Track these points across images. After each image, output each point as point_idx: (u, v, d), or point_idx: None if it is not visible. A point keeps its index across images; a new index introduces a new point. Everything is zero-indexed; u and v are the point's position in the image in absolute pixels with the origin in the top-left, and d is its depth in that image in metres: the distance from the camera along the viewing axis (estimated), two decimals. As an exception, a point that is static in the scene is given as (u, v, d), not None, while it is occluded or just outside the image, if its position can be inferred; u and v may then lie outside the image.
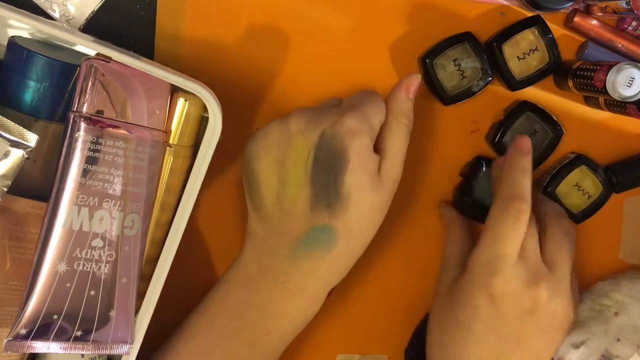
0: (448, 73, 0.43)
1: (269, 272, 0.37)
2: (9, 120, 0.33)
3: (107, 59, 0.34)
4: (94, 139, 0.34)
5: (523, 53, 0.43)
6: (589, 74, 0.40)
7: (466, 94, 0.43)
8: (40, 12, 0.40)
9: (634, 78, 0.38)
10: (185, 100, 0.37)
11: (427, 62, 0.43)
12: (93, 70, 0.34)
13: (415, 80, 0.39)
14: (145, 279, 0.37)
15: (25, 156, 0.34)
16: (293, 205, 0.36)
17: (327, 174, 0.35)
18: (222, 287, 0.40)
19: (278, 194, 0.36)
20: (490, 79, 0.43)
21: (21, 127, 0.33)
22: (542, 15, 0.43)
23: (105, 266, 0.35)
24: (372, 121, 0.36)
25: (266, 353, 0.39)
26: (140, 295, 0.37)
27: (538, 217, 0.40)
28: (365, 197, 0.35)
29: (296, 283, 0.37)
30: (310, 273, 0.36)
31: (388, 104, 0.38)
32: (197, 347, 0.39)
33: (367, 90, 0.40)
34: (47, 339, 0.34)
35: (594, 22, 0.44)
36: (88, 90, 0.34)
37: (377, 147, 0.37)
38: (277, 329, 0.38)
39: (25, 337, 0.34)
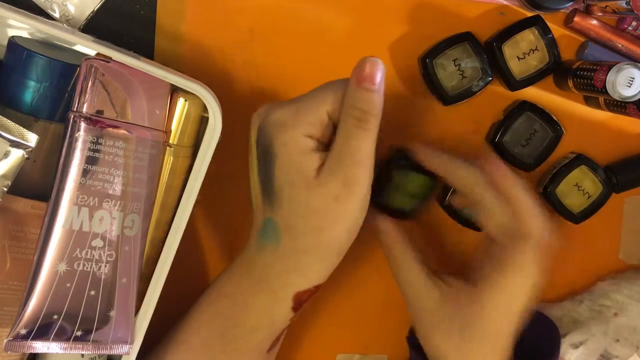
0: (448, 73, 0.43)
1: (243, 261, 0.38)
2: (9, 120, 0.33)
3: (107, 59, 0.34)
4: (94, 139, 0.34)
5: (523, 53, 0.43)
6: (589, 74, 0.40)
7: (466, 94, 0.43)
8: (40, 12, 0.40)
9: (634, 78, 0.38)
10: (185, 100, 0.37)
11: (427, 62, 0.43)
12: (93, 70, 0.34)
13: (368, 66, 0.33)
14: (145, 279, 0.37)
15: (25, 156, 0.34)
16: (256, 198, 0.37)
17: (264, 167, 0.35)
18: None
19: (251, 187, 0.38)
20: (490, 79, 0.43)
21: (21, 127, 0.33)
22: (542, 15, 0.43)
23: (105, 266, 0.35)
24: (307, 113, 0.34)
25: (239, 349, 0.38)
26: (140, 295, 0.37)
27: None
28: (298, 195, 0.33)
29: (259, 274, 0.37)
30: (269, 266, 0.36)
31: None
32: (183, 333, 0.39)
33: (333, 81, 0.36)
34: (47, 339, 0.34)
35: (594, 22, 0.44)
36: (88, 90, 0.34)
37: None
38: (243, 323, 0.37)
39: (26, 337, 0.34)
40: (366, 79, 0.33)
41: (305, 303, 0.38)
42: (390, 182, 0.40)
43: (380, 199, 0.40)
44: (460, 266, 0.43)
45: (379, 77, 0.34)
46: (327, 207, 0.33)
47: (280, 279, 0.36)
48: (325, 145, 0.35)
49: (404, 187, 0.40)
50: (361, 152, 0.33)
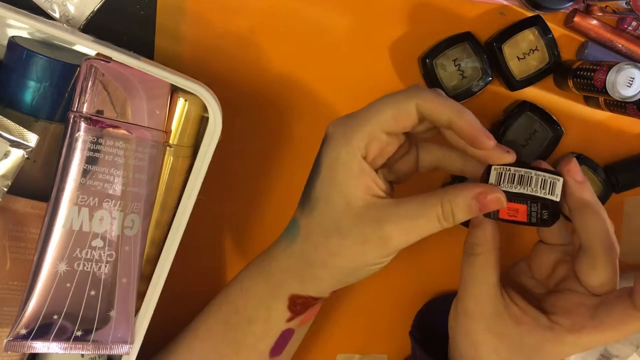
0: (448, 73, 0.43)
1: (264, 251, 0.39)
2: (9, 120, 0.33)
3: (107, 59, 0.34)
4: (94, 139, 0.34)
5: (523, 53, 0.43)
6: (589, 74, 0.40)
7: (466, 94, 0.43)
8: (40, 12, 0.40)
9: (634, 78, 0.38)
10: (185, 100, 0.37)
11: (427, 62, 0.43)
12: (93, 70, 0.34)
13: (490, 197, 0.32)
14: (145, 279, 0.37)
15: (25, 156, 0.34)
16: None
17: (311, 174, 0.35)
18: None
19: None
20: (490, 79, 0.43)
21: (21, 127, 0.33)
22: (542, 15, 0.43)
23: (106, 266, 0.35)
24: (356, 131, 0.32)
25: (237, 340, 0.38)
26: (140, 295, 0.37)
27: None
28: (332, 213, 0.33)
29: (266, 264, 0.38)
30: (276, 260, 0.37)
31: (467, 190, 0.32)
32: (194, 322, 0.40)
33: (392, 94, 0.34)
34: (48, 339, 0.34)
35: (594, 22, 0.44)
36: (88, 90, 0.34)
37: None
38: (242, 308, 0.38)
39: (26, 337, 0.34)
40: (483, 202, 0.32)
41: (304, 310, 0.38)
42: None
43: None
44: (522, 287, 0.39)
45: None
46: (354, 241, 0.33)
47: (281, 275, 0.36)
48: (385, 163, 0.35)
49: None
50: (418, 233, 0.33)
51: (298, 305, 0.37)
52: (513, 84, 0.43)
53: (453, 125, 0.33)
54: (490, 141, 0.33)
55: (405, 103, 0.33)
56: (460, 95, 0.43)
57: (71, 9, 0.41)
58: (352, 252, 0.33)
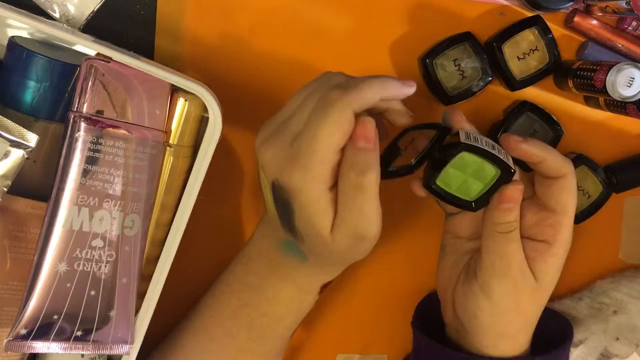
0: (448, 73, 0.43)
1: (265, 256, 0.39)
2: (9, 120, 0.33)
3: (107, 59, 0.34)
4: (94, 139, 0.34)
5: (523, 53, 0.43)
6: (589, 74, 0.40)
7: (466, 94, 0.43)
8: (40, 12, 0.40)
9: (634, 78, 0.38)
10: (185, 100, 0.37)
11: (427, 62, 0.43)
12: (93, 70, 0.34)
13: (364, 126, 0.32)
14: (145, 279, 0.37)
15: (25, 156, 0.34)
16: (274, 217, 0.36)
17: (283, 211, 0.35)
18: (231, 264, 0.42)
19: (265, 201, 0.37)
20: (490, 79, 0.43)
21: (21, 127, 0.33)
22: (542, 15, 0.43)
23: (106, 266, 0.35)
24: (316, 168, 0.32)
25: (266, 336, 0.40)
26: (140, 295, 0.37)
27: None
28: (318, 241, 0.34)
29: (285, 272, 0.39)
30: (294, 268, 0.38)
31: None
32: (202, 324, 0.41)
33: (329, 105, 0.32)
34: (48, 339, 0.34)
35: (594, 22, 0.44)
36: (88, 90, 0.34)
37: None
38: (272, 312, 0.39)
39: (26, 337, 0.34)
40: (364, 137, 0.32)
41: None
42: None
43: (432, 180, 0.36)
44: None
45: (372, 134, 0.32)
46: (345, 253, 0.35)
47: (308, 277, 0.39)
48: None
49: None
50: (365, 211, 0.33)
51: (327, 286, 0.40)
52: (513, 84, 0.43)
53: (386, 101, 0.35)
54: (411, 89, 0.35)
55: (343, 116, 0.32)
56: (460, 95, 0.43)
57: (71, 9, 0.41)
58: (354, 254, 0.36)
